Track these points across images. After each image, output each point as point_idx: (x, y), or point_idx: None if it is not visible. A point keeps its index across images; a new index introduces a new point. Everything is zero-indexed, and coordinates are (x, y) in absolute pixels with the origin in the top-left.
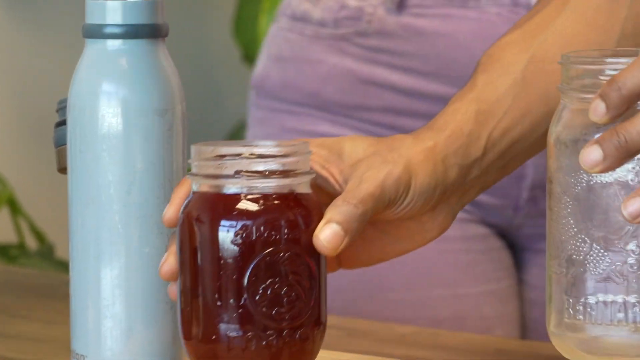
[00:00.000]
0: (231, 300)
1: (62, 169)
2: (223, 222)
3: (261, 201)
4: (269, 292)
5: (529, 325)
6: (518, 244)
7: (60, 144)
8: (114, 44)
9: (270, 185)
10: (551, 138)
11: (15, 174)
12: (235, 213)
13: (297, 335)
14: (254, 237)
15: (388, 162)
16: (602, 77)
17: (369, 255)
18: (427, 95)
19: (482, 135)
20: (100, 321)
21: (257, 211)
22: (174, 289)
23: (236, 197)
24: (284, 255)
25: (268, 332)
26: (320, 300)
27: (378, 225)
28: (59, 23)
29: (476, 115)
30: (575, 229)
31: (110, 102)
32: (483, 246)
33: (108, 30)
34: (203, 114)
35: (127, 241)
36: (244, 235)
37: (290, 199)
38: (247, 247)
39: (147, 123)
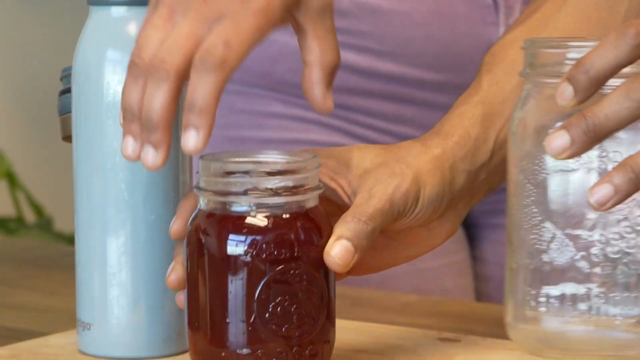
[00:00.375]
0: (240, 318)
1: (67, 137)
2: (232, 240)
3: (271, 218)
4: (278, 310)
5: (482, 301)
6: (468, 220)
7: (64, 112)
8: (118, 10)
9: (279, 202)
10: (514, 124)
11: (13, 147)
12: (244, 231)
13: (307, 352)
14: (264, 256)
15: (396, 174)
16: (566, 62)
17: (378, 262)
18: (381, 74)
19: (490, 138)
20: (107, 289)
21: (266, 229)
22: (182, 298)
23: (245, 215)
24: (294, 272)
25: (278, 350)
26: (329, 316)
27: (387, 234)
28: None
29: (483, 118)
30: (539, 218)
31: (116, 70)
32: None
33: None
34: None
35: (133, 209)
36: (254, 253)
37: (300, 215)
38: (257, 265)
39: None
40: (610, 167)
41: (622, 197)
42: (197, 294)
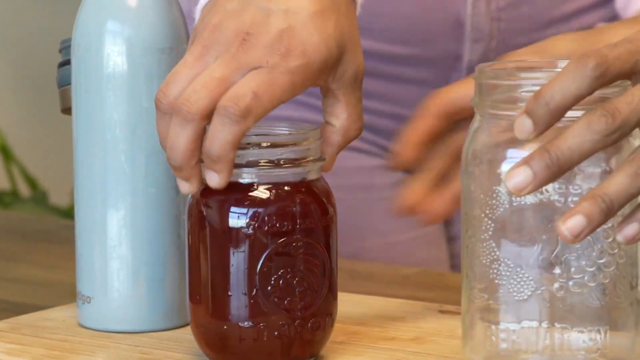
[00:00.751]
0: (242, 291)
1: (66, 110)
2: (234, 213)
3: (273, 190)
4: (281, 282)
5: (456, 264)
6: None
7: (63, 84)
8: None
9: (282, 174)
10: (468, 156)
11: (7, 120)
12: (246, 203)
13: (309, 325)
14: (266, 228)
15: None
16: (521, 92)
17: None
18: None
19: None
20: (107, 263)
21: (268, 201)
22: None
23: (248, 187)
24: (296, 245)
25: (280, 323)
26: (331, 288)
27: None
28: None
29: None
30: (498, 253)
31: (116, 41)
32: None
33: None
34: None
35: (133, 181)
36: (256, 225)
37: (302, 187)
38: (259, 238)
39: (153, 61)
40: (569, 199)
41: (594, 227)
42: (199, 267)
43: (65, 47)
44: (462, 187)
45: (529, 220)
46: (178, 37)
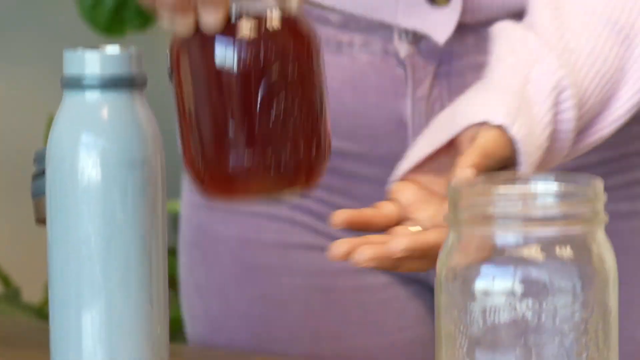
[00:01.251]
0: (242, 127)
1: (41, 220)
2: (221, 47)
3: (261, 22)
4: (280, 111)
5: None
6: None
7: (37, 194)
8: (92, 95)
9: (264, 6)
10: (442, 273)
11: None
12: (234, 36)
13: (311, 150)
14: (255, 61)
15: None
16: (495, 209)
17: None
18: None
19: None
20: None
21: (257, 33)
22: None
23: (235, 21)
24: (287, 73)
25: (281, 153)
26: (325, 111)
27: None
28: (36, 73)
29: None
30: None
31: (90, 154)
32: (381, 296)
33: (86, 81)
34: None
35: (108, 293)
36: (245, 59)
37: (287, 20)
38: (250, 72)
39: (127, 174)
40: (543, 318)
41: None
42: (189, 112)
43: (39, 158)
44: (436, 303)
45: (502, 337)
46: (151, 149)
